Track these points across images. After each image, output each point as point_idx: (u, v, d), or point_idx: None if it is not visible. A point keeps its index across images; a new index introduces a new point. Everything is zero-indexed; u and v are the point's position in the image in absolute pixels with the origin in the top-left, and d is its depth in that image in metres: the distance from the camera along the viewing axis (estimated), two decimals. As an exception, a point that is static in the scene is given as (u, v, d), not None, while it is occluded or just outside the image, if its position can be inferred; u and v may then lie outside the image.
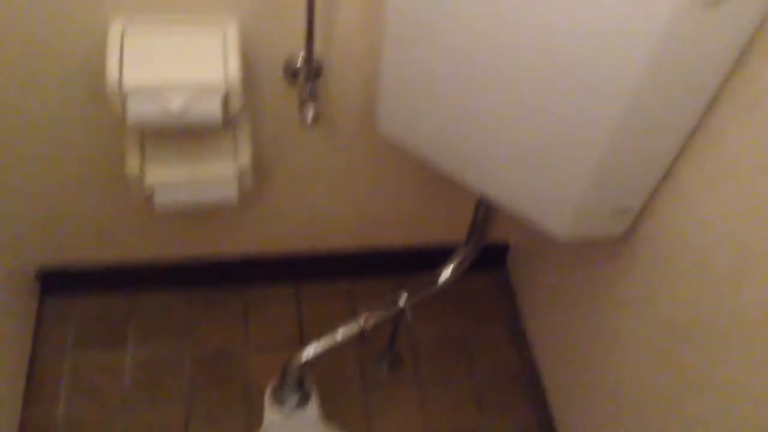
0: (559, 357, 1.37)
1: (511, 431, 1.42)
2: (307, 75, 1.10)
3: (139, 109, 0.96)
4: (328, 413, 1.36)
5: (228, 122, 1.13)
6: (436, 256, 1.46)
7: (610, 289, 1.14)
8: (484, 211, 1.18)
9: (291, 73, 1.14)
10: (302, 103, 1.12)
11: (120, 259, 1.46)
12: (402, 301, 1.24)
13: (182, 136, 1.13)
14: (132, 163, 1.10)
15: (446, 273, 1.23)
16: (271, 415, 1.30)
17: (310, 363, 1.25)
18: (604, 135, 0.83)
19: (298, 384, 1.29)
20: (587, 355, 1.24)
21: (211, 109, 0.98)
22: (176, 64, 0.98)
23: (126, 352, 1.46)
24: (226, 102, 1.00)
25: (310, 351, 1.24)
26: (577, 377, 1.29)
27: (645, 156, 0.90)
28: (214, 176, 1.13)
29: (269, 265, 1.54)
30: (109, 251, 1.44)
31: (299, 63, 1.12)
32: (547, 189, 0.94)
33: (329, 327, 1.25)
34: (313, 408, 1.32)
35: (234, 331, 1.51)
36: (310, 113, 1.11)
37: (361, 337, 1.23)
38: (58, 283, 1.49)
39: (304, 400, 1.32)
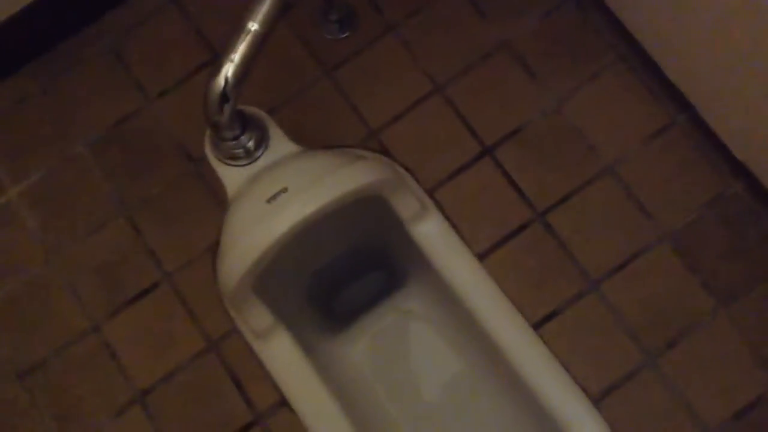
0: None
1: (536, 22, 1.01)
2: None
3: None
4: (300, 134, 0.95)
5: None
6: None
7: None
8: None
9: None
10: None
11: None
12: None
13: None
14: None
15: None
16: (230, 179, 0.90)
17: (237, 81, 0.79)
18: None
19: (239, 119, 0.86)
20: None
21: None
22: None
23: (6, 191, 1.03)
24: None
25: (227, 68, 0.78)
26: None
27: None
28: None
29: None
30: None
31: None
32: None
33: (234, 18, 0.78)
34: (277, 139, 0.91)
35: (121, 89, 1.04)
36: None
37: (285, 8, 0.76)
38: None
39: (259, 134, 0.89)
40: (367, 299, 1.13)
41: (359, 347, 1.08)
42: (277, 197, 0.81)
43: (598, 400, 0.90)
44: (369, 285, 1.17)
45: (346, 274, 1.17)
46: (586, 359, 0.92)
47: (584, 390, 0.90)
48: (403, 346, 1.07)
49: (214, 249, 0.97)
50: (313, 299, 1.12)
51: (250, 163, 0.88)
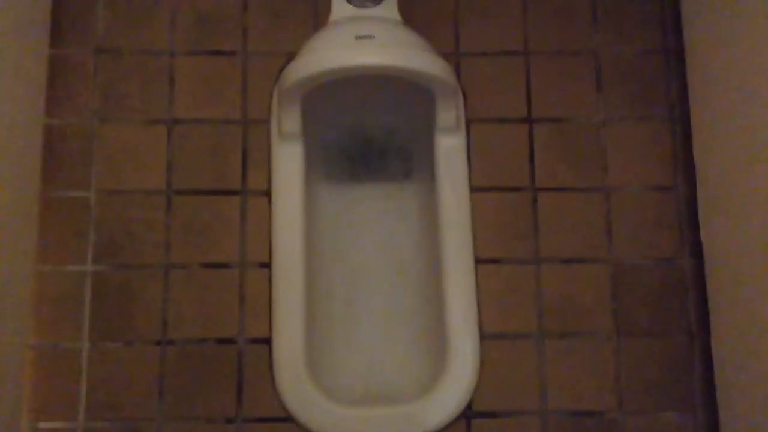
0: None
1: (630, 52, 1.17)
2: None
3: None
4: (408, 15, 1.12)
5: None
6: None
7: None
8: None
9: None
10: None
11: None
12: None
13: None
14: None
15: None
16: (339, 9, 1.08)
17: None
18: None
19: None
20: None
21: None
22: None
23: None
24: None
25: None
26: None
27: None
28: None
29: None
30: None
31: None
32: None
33: None
34: (390, 4, 1.08)
35: None
36: None
37: None
38: None
39: (379, -8, 1.07)
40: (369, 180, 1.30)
41: (339, 199, 1.25)
42: (364, 39, 0.99)
43: (483, 337, 1.08)
44: (378, 172, 1.35)
45: (368, 151, 1.34)
46: (495, 307, 1.09)
47: (479, 324, 1.08)
48: (371, 217, 1.24)
49: (290, 59, 1.14)
50: (331, 151, 1.30)
51: (359, 7, 1.06)
